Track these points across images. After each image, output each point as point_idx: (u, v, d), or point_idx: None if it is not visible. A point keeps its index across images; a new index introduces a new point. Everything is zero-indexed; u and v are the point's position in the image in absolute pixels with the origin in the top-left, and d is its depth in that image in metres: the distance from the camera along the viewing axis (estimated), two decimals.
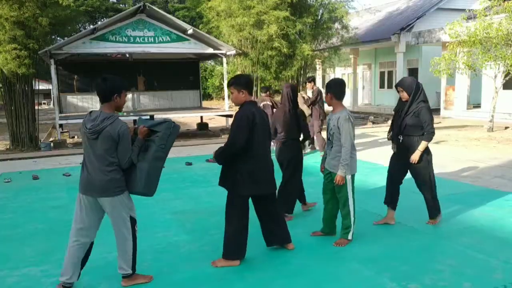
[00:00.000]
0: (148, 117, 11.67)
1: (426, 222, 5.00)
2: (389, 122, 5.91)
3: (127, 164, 3.42)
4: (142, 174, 3.45)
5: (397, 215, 5.14)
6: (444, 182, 7.08)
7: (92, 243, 3.61)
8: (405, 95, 4.79)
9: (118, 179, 3.43)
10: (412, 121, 4.73)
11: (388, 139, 5.19)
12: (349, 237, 4.47)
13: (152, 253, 4.35)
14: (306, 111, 9.67)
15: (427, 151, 4.81)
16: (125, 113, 15.10)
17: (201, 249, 4.52)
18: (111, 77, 3.55)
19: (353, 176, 4.41)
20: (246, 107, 3.96)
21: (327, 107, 9.90)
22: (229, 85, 4.12)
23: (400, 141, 4.84)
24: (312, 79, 10.29)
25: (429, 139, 4.73)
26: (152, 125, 3.56)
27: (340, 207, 4.51)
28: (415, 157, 4.72)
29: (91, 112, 3.47)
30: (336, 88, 4.41)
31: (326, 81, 21.70)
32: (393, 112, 5.20)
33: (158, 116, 15.14)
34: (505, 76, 13.04)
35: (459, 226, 4.95)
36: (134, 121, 5.43)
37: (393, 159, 5.06)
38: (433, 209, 4.96)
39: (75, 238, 3.51)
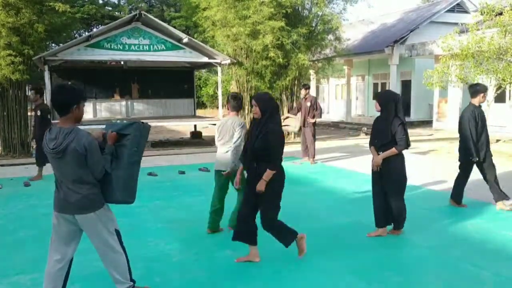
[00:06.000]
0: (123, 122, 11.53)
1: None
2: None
3: (100, 175, 3.22)
4: (119, 182, 3.24)
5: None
6: (436, 194, 7.12)
7: (71, 260, 3.38)
8: (257, 111, 4.06)
9: (96, 193, 3.24)
10: (261, 144, 4.01)
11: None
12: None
13: (144, 262, 4.32)
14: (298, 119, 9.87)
15: (276, 182, 4.05)
16: (118, 121, 15.06)
17: (193, 258, 4.49)
18: (68, 86, 3.30)
19: None
20: None
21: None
22: None
23: (255, 166, 4.12)
24: (308, 87, 10.46)
25: (273, 168, 3.99)
26: (121, 129, 3.33)
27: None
28: (260, 187, 4.00)
29: (50, 129, 3.20)
30: None
31: (320, 91, 21.87)
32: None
33: (153, 124, 15.14)
34: (497, 89, 13.17)
35: (450, 239, 4.97)
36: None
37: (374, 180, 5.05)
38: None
39: (54, 258, 3.29)
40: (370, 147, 5.04)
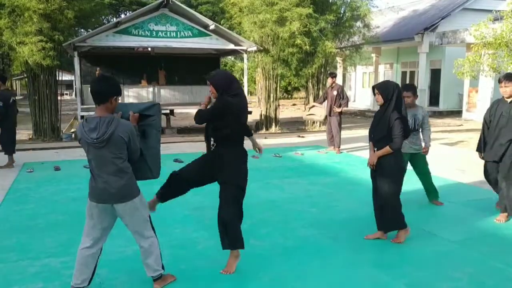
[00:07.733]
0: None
1: None
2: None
3: (137, 157, 3.35)
4: (153, 160, 3.47)
5: (417, 220, 5.11)
6: (464, 187, 6.98)
7: (101, 248, 3.48)
8: (212, 90, 3.82)
9: (134, 181, 3.35)
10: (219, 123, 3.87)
11: None
12: None
13: (170, 249, 4.40)
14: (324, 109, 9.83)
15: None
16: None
17: (218, 245, 4.52)
18: (112, 78, 3.44)
19: None
20: None
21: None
22: None
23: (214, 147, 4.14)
24: (335, 75, 10.33)
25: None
26: (142, 110, 3.49)
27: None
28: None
29: (86, 119, 3.22)
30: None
31: (347, 79, 21.60)
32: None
33: (178, 110, 15.26)
34: None
35: (478, 234, 4.88)
36: None
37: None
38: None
39: (86, 245, 3.37)
40: (369, 142, 4.68)
